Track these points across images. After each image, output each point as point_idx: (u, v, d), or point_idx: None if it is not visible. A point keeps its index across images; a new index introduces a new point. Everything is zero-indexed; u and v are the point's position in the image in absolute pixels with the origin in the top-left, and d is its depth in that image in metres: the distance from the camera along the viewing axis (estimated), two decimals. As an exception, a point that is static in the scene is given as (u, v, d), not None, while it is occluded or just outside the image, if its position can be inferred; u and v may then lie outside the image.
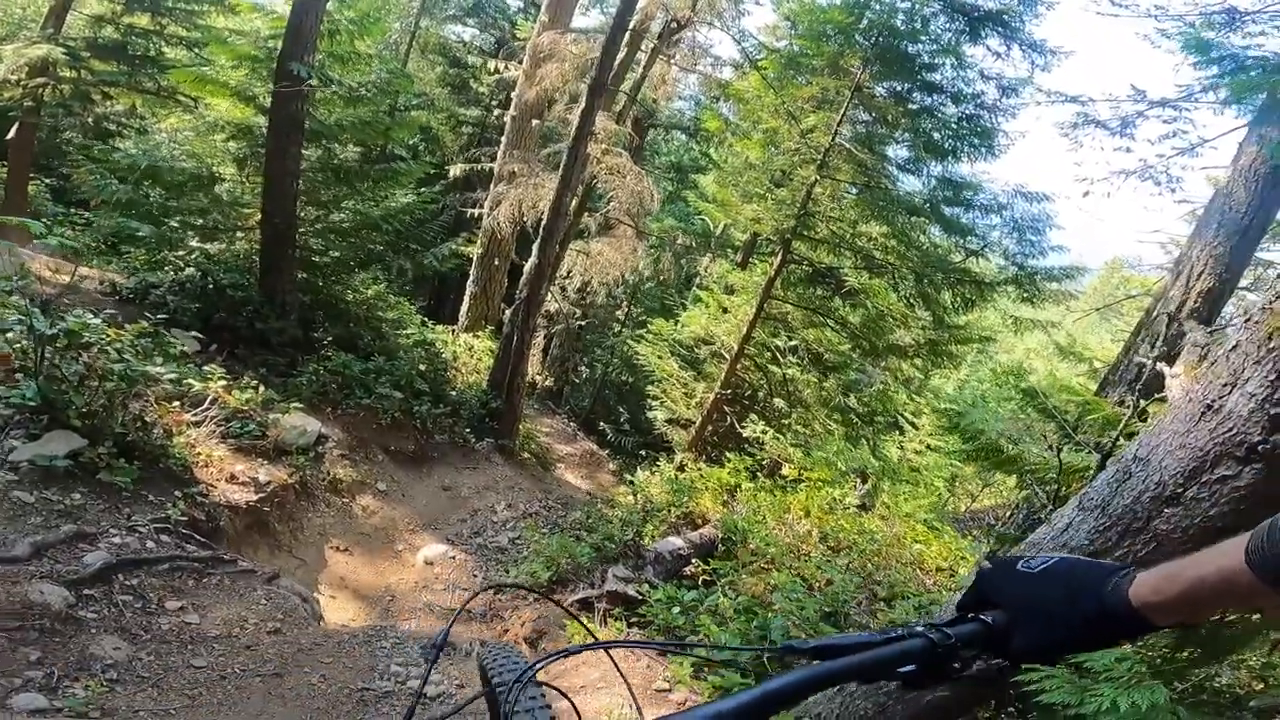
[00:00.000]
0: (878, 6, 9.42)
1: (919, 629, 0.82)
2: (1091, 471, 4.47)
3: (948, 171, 9.90)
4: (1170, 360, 4.75)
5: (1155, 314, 6.09)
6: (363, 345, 8.93)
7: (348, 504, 6.66)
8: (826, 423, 10.76)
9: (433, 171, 13.02)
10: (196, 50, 11.93)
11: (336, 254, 9.50)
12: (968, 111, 9.73)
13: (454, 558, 6.50)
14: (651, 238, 13.06)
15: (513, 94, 12.62)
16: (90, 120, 14.02)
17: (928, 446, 10.68)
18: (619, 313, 15.36)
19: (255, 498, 5.26)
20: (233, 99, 8.84)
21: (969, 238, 10.13)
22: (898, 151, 10.51)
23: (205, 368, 6.19)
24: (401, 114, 10.62)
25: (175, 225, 8.43)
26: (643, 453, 12.83)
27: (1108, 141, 11.89)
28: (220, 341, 7.29)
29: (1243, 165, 5.59)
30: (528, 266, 9.92)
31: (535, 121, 12.43)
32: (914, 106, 9.78)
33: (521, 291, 9.57)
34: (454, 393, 9.49)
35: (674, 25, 10.27)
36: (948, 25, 9.94)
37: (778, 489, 8.10)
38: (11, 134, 11.99)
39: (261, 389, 6.50)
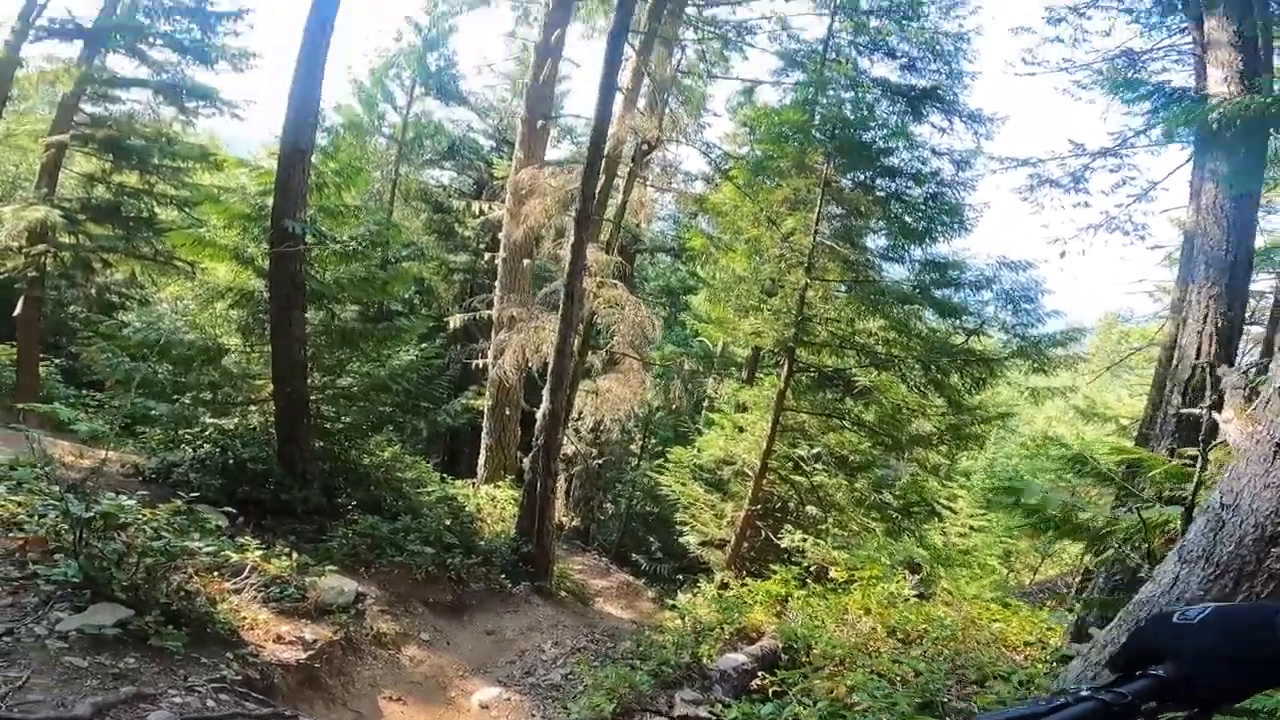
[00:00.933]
0: (825, 100, 10.18)
1: (1085, 693, 0.84)
2: (1175, 525, 4.35)
3: (929, 254, 10.14)
4: (1216, 406, 4.73)
5: (1177, 363, 6.09)
6: (387, 506, 8.82)
7: (394, 655, 6.36)
8: (865, 521, 10.50)
9: (432, 325, 13.37)
10: (188, 210, 11.93)
11: (349, 419, 9.49)
12: (931, 190, 10.12)
13: (509, 699, 6.13)
14: (656, 367, 13.30)
15: (499, 235, 13.07)
16: (93, 291, 13.89)
17: (971, 528, 10.35)
18: (634, 446, 15.34)
19: (304, 655, 5.01)
20: (230, 262, 8.92)
21: (964, 317, 10.23)
22: (877, 241, 10.91)
23: (238, 540, 6.09)
24: (394, 266, 11.01)
25: (188, 402, 8.41)
26: (680, 577, 12.45)
27: (1065, 199, 12.33)
28: (247, 514, 7.20)
29: (1206, 203, 5.85)
30: (540, 413, 9.99)
31: (526, 261, 12.85)
32: (881, 194, 10.17)
33: (538, 439, 9.58)
34: (483, 542, 9.31)
35: (645, 147, 10.95)
36: (891, 109, 10.70)
37: (830, 592, 7.76)
38: (18, 310, 11.87)
39: (295, 555, 6.35)
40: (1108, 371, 13.05)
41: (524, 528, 9.64)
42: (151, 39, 10.26)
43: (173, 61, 10.80)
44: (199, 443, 8.19)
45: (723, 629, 7.30)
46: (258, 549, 6.00)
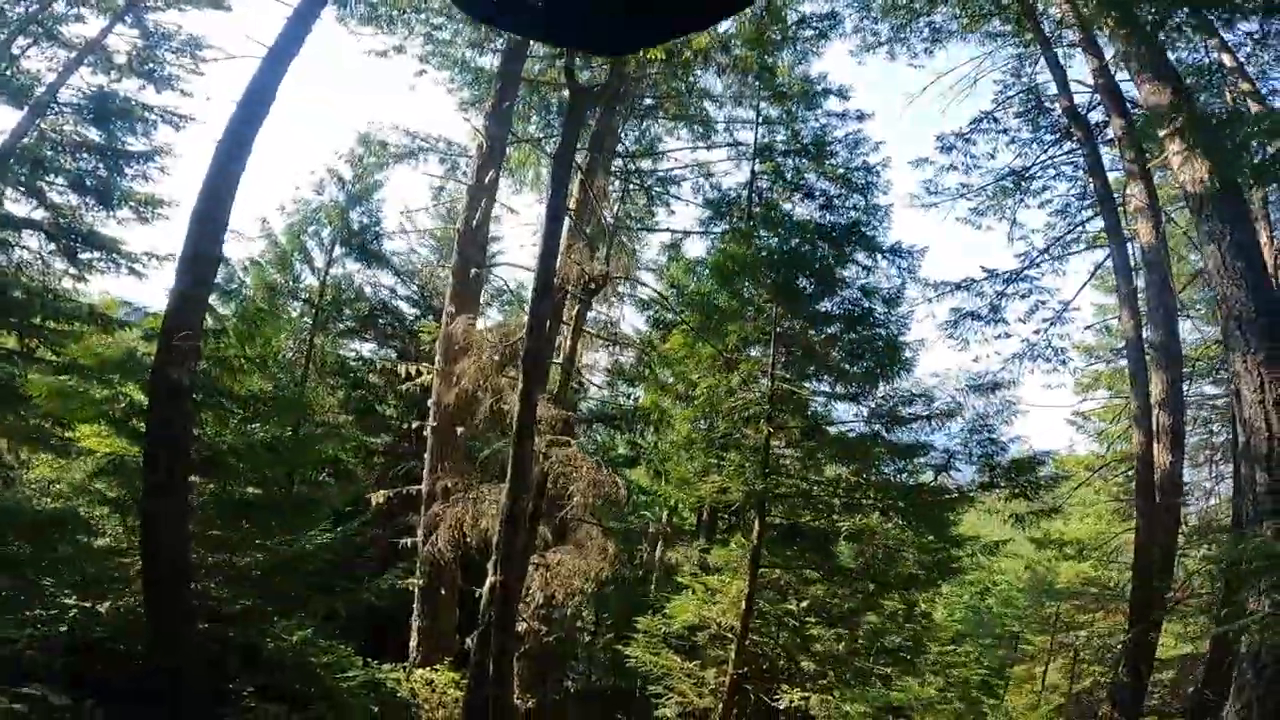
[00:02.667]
0: (760, 241, 9.91)
1: None
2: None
3: (890, 391, 9.46)
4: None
5: (1246, 440, 5.33)
6: (295, 693, 6.92)
7: None
8: (871, 667, 9.04)
9: (349, 507, 11.74)
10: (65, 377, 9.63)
11: (247, 602, 7.71)
12: (866, 334, 9.68)
13: None
14: (619, 532, 11.89)
15: (429, 403, 11.86)
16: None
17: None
18: (585, 619, 13.47)
19: None
20: (99, 422, 7.47)
21: (929, 453, 9.53)
22: (825, 387, 10.29)
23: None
24: (307, 435, 9.73)
25: (48, 582, 6.69)
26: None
27: (987, 331, 12.46)
28: (100, 699, 5.35)
29: (1214, 266, 5.47)
30: (486, 589, 8.49)
31: (460, 429, 11.51)
32: (823, 337, 9.78)
33: (487, 616, 8.00)
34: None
35: (591, 286, 10.36)
36: (816, 253, 10.55)
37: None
38: None
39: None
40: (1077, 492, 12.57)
41: (473, 715, 7.73)
42: (53, 177, 9.10)
43: (72, 205, 9.54)
44: (54, 623, 6.33)
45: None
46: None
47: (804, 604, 9.37)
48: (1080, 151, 10.81)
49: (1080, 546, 11.21)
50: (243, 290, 12.71)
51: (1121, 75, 9.18)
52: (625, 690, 12.06)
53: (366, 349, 17.16)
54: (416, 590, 11.02)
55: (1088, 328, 13.93)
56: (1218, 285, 5.31)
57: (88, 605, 6.80)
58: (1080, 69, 10.44)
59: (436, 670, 9.85)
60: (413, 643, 10.83)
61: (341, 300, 15.34)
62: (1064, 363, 12.84)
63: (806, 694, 8.56)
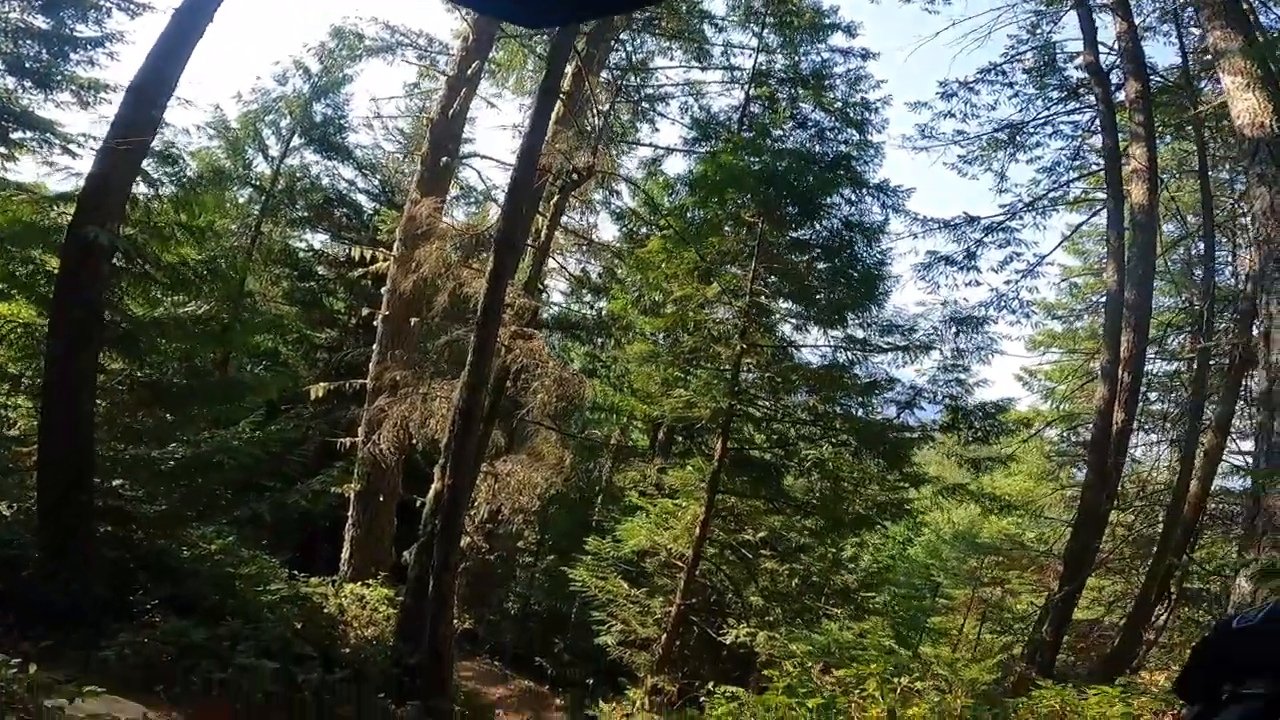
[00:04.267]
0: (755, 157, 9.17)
1: None
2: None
3: (873, 318, 9.09)
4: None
5: (1270, 385, 4.92)
6: (209, 607, 6.01)
7: None
8: (822, 607, 8.72)
9: (286, 402, 10.58)
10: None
11: (161, 504, 6.65)
12: (842, 265, 9.15)
13: None
14: (575, 444, 11.16)
15: (383, 290, 10.65)
16: None
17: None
18: (527, 536, 12.85)
19: None
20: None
21: (894, 387, 9.21)
22: (807, 310, 9.83)
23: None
24: (245, 323, 8.52)
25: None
26: (590, 681, 9.98)
27: (959, 277, 12.32)
28: None
29: (1262, 209, 5.05)
30: (432, 494, 7.68)
31: (414, 319, 10.39)
32: (807, 259, 9.30)
33: (430, 525, 7.19)
34: (351, 652, 6.61)
35: (574, 177, 9.33)
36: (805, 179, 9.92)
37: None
38: None
39: (33, 667, 3.65)
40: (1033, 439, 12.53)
41: (408, 633, 7.01)
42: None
43: (9, 88, 7.99)
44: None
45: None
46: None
47: (760, 534, 8.97)
48: (1086, 110, 10.66)
49: (1006, 503, 11.12)
50: (185, 164, 11.08)
51: (1147, 43, 9.29)
52: (563, 615, 11.61)
53: (318, 240, 15.67)
54: (352, 495, 9.97)
55: (1062, 281, 13.85)
56: (1261, 228, 4.89)
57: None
58: (1104, 33, 10.11)
59: (369, 585, 8.96)
60: (345, 554, 9.87)
61: (296, 190, 13.89)
62: (1028, 315, 12.69)
63: (753, 630, 8.20)
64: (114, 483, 6.27)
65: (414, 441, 9.49)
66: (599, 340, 14.06)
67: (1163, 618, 9.75)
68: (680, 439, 11.52)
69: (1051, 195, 11.57)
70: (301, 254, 14.88)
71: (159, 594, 5.66)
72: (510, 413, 10.27)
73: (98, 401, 5.99)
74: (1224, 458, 10.33)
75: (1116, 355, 8.81)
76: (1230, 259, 11.27)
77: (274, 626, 5.95)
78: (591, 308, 14.53)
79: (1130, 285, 8.91)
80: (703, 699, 6.93)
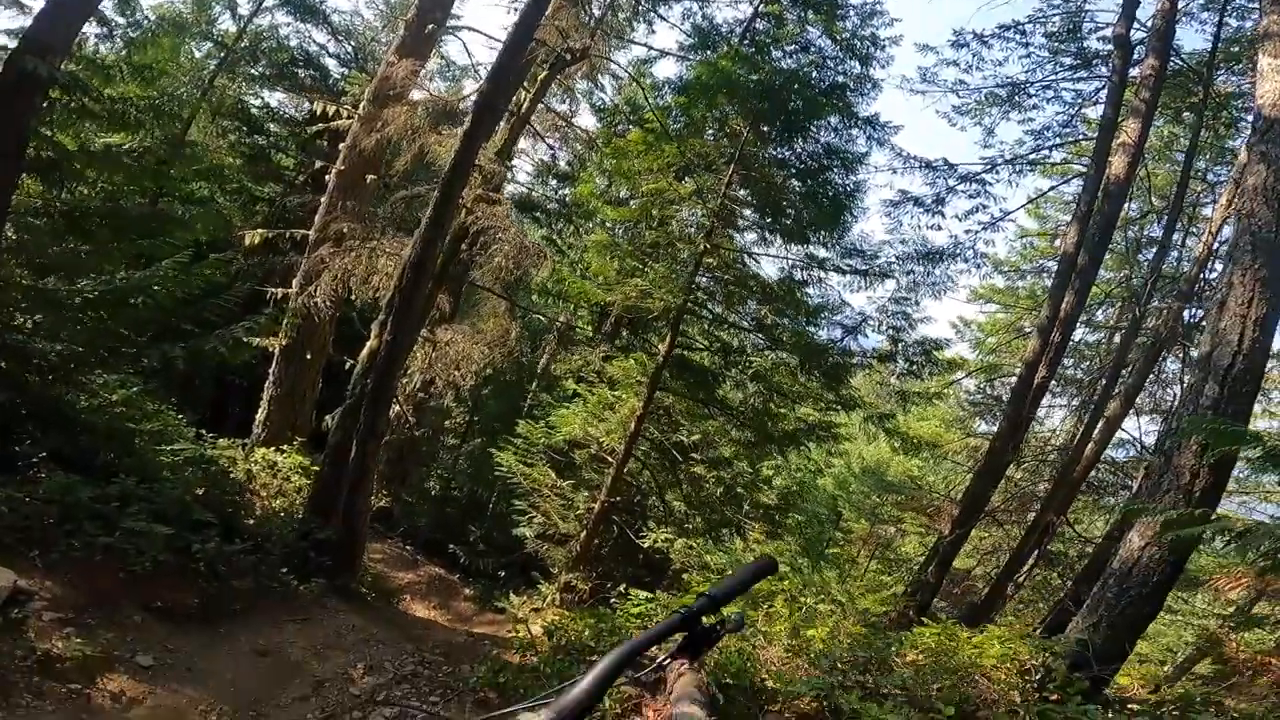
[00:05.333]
0: (755, 77, 8.61)
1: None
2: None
3: (833, 241, 9.01)
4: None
5: (1211, 350, 4.89)
6: (102, 464, 5.46)
7: (81, 693, 3.53)
8: (737, 519, 8.86)
9: (213, 254, 9.59)
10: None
11: (68, 343, 5.93)
12: (816, 188, 8.87)
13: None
14: (529, 319, 10.69)
15: (340, 146, 9.67)
16: None
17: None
18: (454, 418, 12.53)
19: None
20: None
21: (843, 310, 9.23)
22: (768, 222, 9.59)
23: None
24: (183, 162, 7.57)
25: None
26: (502, 573, 9.97)
27: (923, 219, 12.39)
28: None
29: (1254, 184, 4.92)
30: (366, 352, 7.14)
31: (370, 177, 9.52)
32: (783, 176, 8.94)
33: (359, 386, 6.70)
34: (255, 523, 6.24)
35: (567, 57, 8.50)
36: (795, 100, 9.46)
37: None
38: None
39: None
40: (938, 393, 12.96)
41: (321, 505, 6.67)
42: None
43: None
44: None
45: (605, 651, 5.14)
46: None
47: (694, 438, 8.96)
48: (1093, 80, 10.63)
49: (917, 443, 11.52)
50: (142, 10, 9.42)
51: (1179, 27, 9.14)
52: (483, 502, 11.48)
53: (275, 99, 14.19)
54: (277, 350, 9.18)
55: (1017, 240, 14.05)
56: (1248, 201, 4.82)
57: None
58: (1142, 11, 9.75)
59: (283, 451, 8.49)
60: (260, 414, 9.24)
61: (260, 49, 12.37)
62: (978, 265, 12.83)
63: (671, 536, 8.30)
64: (15, 318, 5.58)
65: (353, 297, 8.88)
66: (558, 225, 13.42)
67: (1023, 574, 10.44)
68: (624, 333, 11.29)
69: (1032, 157, 11.53)
70: (255, 110, 13.45)
71: (47, 446, 5.06)
72: (459, 278, 9.68)
73: (7, 231, 5.27)
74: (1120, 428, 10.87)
75: (1055, 314, 8.96)
76: (1180, 243, 11.53)
77: (171, 489, 5.41)
78: (555, 194, 13.79)
79: (1085, 251, 9.01)
80: (614, 600, 7.01)
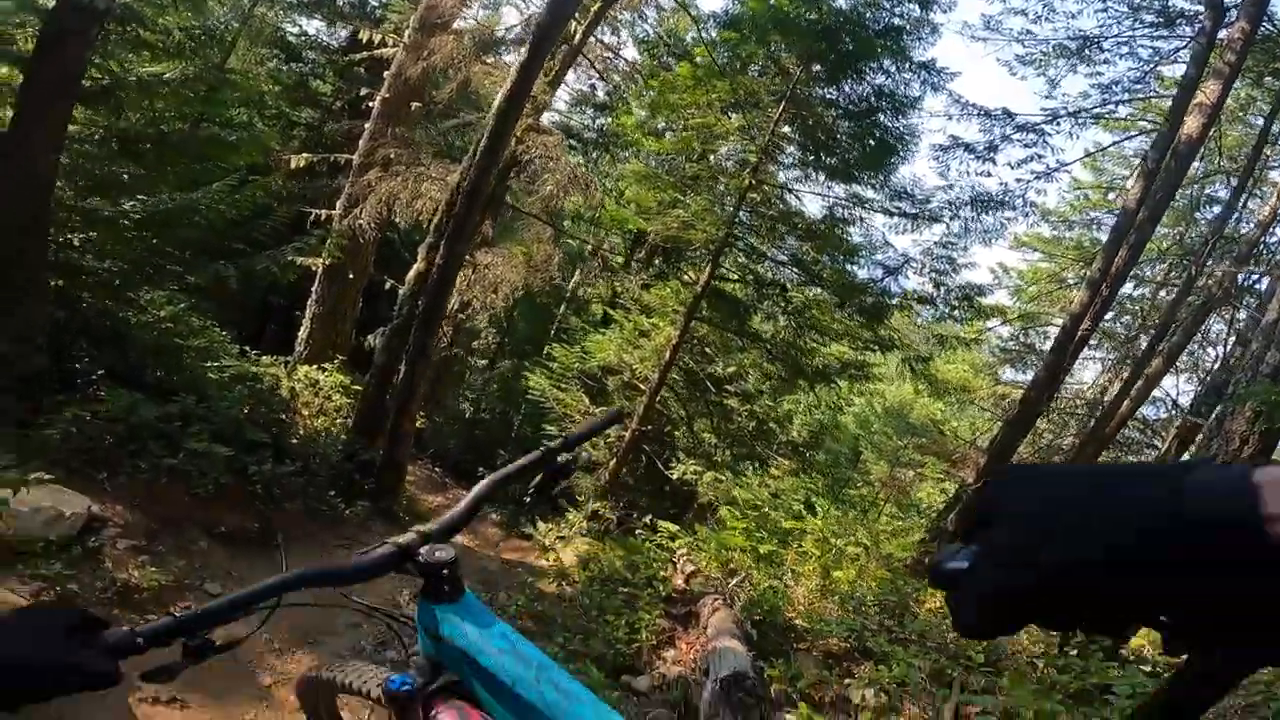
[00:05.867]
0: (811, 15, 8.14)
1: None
2: None
3: (880, 183, 8.71)
4: None
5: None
6: (152, 381, 5.58)
7: None
8: (766, 453, 8.98)
9: (253, 178, 9.55)
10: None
11: (119, 262, 6.07)
12: (865, 130, 8.55)
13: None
14: (573, 245, 10.62)
15: (385, 74, 9.46)
16: None
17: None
18: (485, 340, 12.61)
19: None
20: None
21: (887, 251, 9.24)
22: (814, 159, 9.29)
23: None
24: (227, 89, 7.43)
25: None
26: (527, 499, 10.20)
27: (973, 165, 11.94)
28: None
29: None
30: (413, 274, 7.14)
31: (415, 104, 9.34)
32: (835, 114, 8.58)
33: (406, 307, 6.74)
34: (297, 443, 6.37)
35: None
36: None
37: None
38: None
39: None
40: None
41: (365, 426, 6.86)
42: None
43: None
44: None
45: (644, 583, 5.34)
46: None
47: (729, 370, 9.00)
48: (1174, 39, 10.07)
49: (946, 388, 11.42)
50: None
51: None
52: (511, 425, 11.66)
53: (313, 26, 13.60)
54: (320, 269, 9.20)
55: (1069, 192, 13.51)
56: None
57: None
58: None
59: (324, 369, 8.65)
60: (303, 332, 9.35)
61: None
62: (1026, 214, 12.46)
63: (700, 469, 8.44)
64: (70, 237, 5.67)
65: (397, 221, 8.92)
66: (593, 155, 13.09)
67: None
68: (657, 262, 11.17)
69: (1097, 111, 10.87)
70: (292, 39, 12.96)
71: (102, 363, 5.16)
72: (499, 203, 9.60)
73: (63, 156, 5.30)
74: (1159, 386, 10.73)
75: (1108, 268, 8.75)
76: (1242, 205, 11.04)
77: (227, 408, 5.56)
78: (592, 123, 13.37)
79: (1146, 208, 8.74)
80: (639, 530, 7.22)
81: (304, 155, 9.36)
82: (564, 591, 5.38)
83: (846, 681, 3.28)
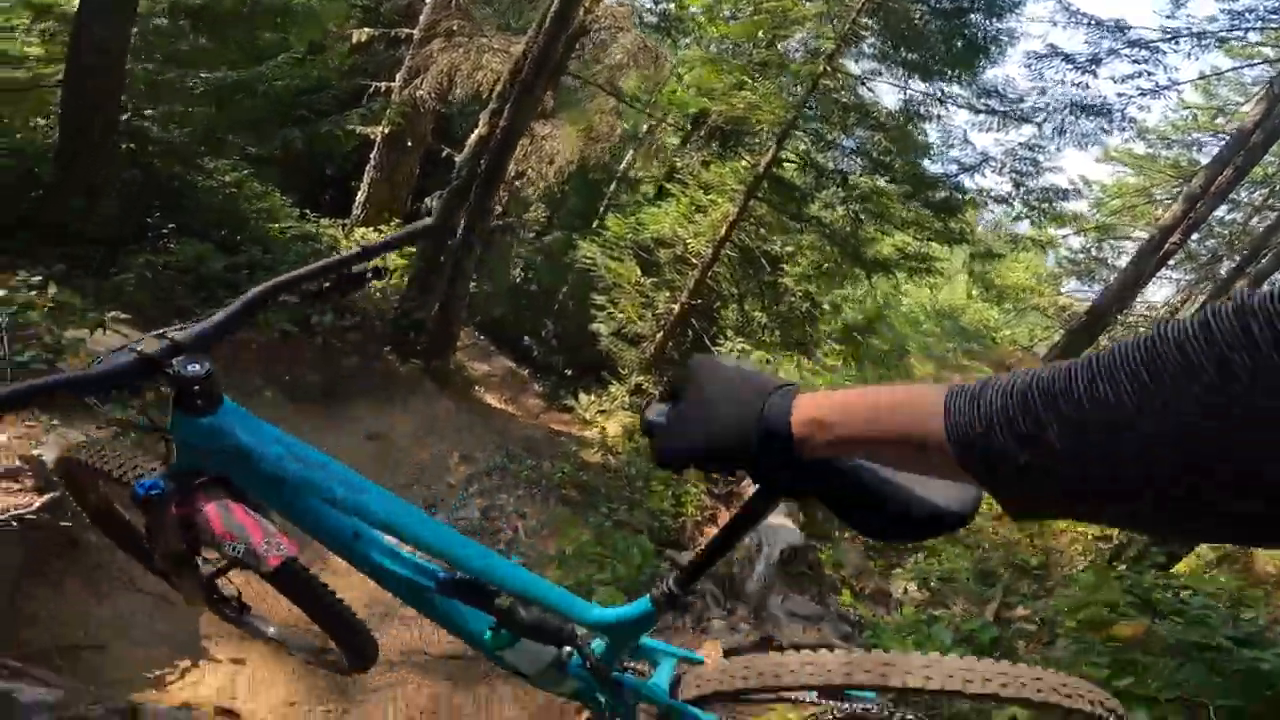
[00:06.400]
0: None
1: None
2: None
3: (972, 79, 7.99)
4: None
5: None
6: (219, 239, 5.63)
7: None
8: (815, 335, 8.88)
9: (310, 56, 9.21)
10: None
11: (186, 132, 6.15)
12: (953, 29, 7.81)
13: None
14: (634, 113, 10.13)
15: None
16: None
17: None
18: (535, 212, 12.32)
19: (40, 501, 2.29)
20: None
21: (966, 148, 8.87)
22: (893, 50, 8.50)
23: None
24: None
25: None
26: (569, 372, 10.39)
27: (1070, 75, 10.84)
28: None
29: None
30: (474, 138, 6.91)
31: None
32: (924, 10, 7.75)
33: (465, 169, 6.57)
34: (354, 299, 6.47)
35: None
36: None
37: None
38: None
39: (53, 288, 3.34)
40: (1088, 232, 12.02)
41: (421, 285, 6.91)
42: None
43: None
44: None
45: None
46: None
47: (787, 248, 8.73)
48: None
49: (1004, 291, 10.93)
50: None
51: None
52: (556, 298, 11.58)
53: None
54: (379, 136, 9.06)
55: (1174, 112, 12.36)
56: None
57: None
58: None
59: (380, 231, 8.66)
60: (360, 196, 9.29)
61: None
62: (1123, 129, 11.42)
63: (748, 348, 8.35)
64: (141, 106, 5.73)
65: (457, 91, 8.65)
66: (656, 40, 12.18)
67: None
68: (714, 144, 10.62)
69: (1223, 35, 9.71)
70: None
71: (172, 221, 5.24)
72: (559, 73, 9.16)
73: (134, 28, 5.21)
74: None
75: (1208, 185, 8.21)
76: None
77: (293, 259, 5.70)
78: (655, 6, 12.30)
79: (1263, 131, 8.18)
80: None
81: (365, 30, 8.97)
82: (608, 462, 5.52)
83: (895, 570, 3.33)
